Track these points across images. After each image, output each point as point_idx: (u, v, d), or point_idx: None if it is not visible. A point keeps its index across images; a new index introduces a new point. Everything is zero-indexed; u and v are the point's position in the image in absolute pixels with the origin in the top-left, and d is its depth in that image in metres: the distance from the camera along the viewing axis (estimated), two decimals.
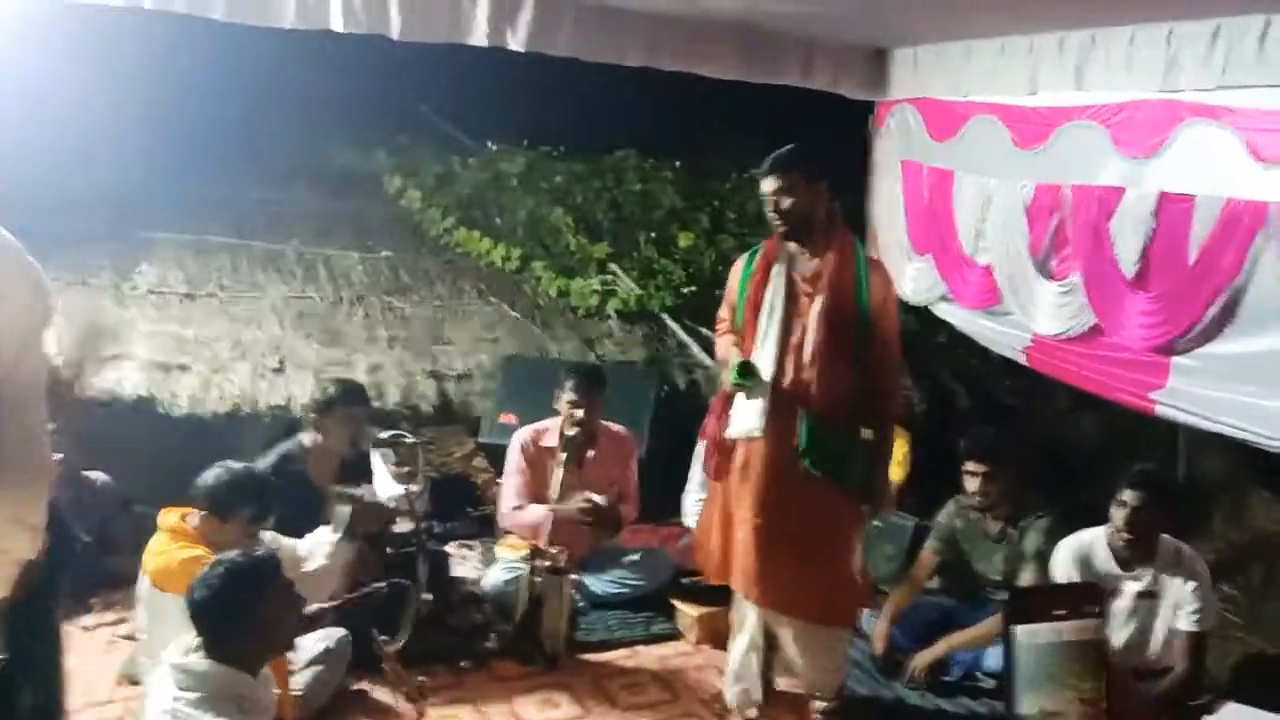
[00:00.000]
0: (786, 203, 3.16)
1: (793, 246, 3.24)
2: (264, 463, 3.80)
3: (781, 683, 3.52)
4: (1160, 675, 3.44)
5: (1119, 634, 3.54)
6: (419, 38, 4.00)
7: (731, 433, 3.24)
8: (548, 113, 7.38)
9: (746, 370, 3.13)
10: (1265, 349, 3.32)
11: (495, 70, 6.71)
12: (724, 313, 3.42)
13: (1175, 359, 3.62)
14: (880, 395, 3.19)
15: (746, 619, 3.35)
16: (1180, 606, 3.44)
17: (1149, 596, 3.50)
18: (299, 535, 3.37)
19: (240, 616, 2.40)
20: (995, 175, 4.50)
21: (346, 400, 3.98)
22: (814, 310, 3.12)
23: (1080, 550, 3.59)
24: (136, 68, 6.04)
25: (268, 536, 3.10)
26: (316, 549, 3.19)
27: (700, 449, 4.33)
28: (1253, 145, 3.31)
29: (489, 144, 7.58)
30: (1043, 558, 3.71)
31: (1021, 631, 0.80)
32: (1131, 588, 3.51)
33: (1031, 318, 4.29)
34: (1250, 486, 5.20)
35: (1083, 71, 3.87)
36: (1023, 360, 4.46)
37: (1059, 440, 5.86)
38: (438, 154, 7.43)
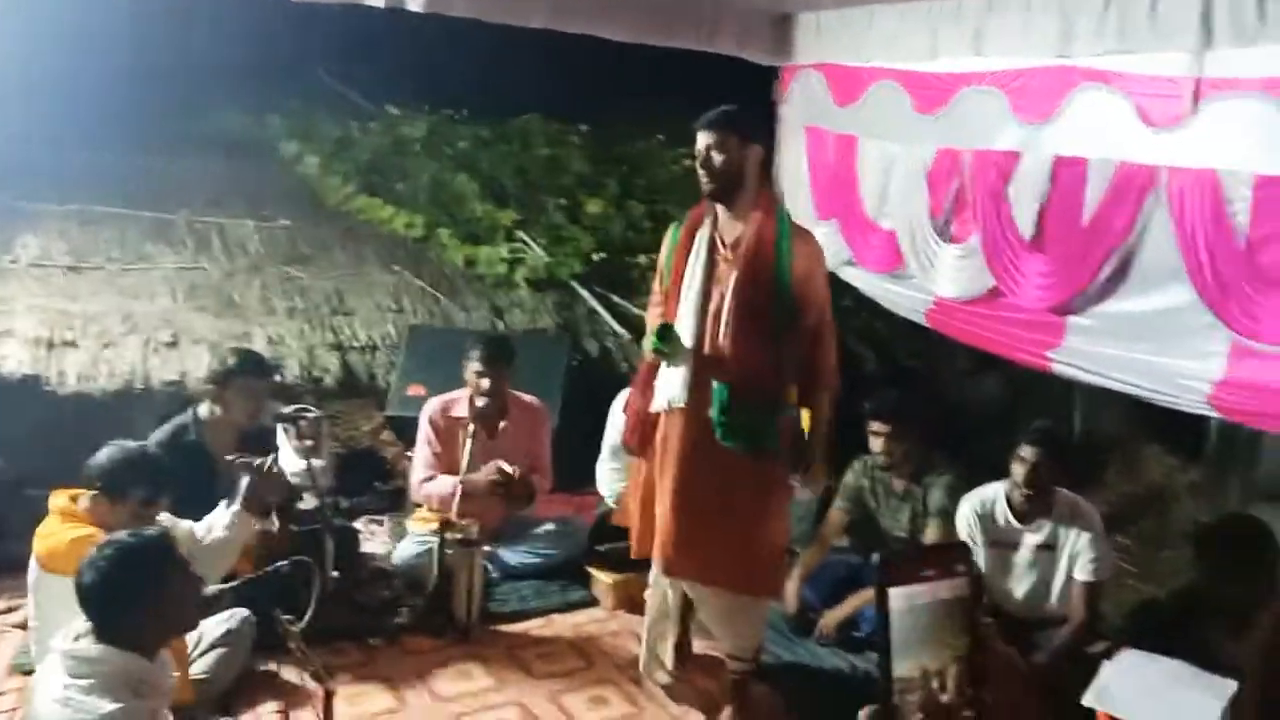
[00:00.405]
0: (718, 159, 3.06)
1: (719, 211, 3.17)
2: (157, 436, 3.67)
3: (698, 645, 3.55)
4: (1059, 624, 3.57)
5: (1019, 585, 3.67)
6: None
7: (655, 405, 3.17)
8: (450, 75, 7.23)
9: (665, 334, 3.08)
10: (1156, 307, 3.44)
11: (394, 32, 6.54)
12: (656, 284, 3.36)
13: (1071, 318, 3.73)
14: (815, 366, 3.12)
15: (663, 588, 3.32)
16: (1077, 557, 3.57)
17: (1047, 549, 3.61)
18: (199, 512, 3.25)
19: (132, 598, 2.30)
20: (897, 140, 4.55)
21: (246, 371, 3.82)
22: (732, 277, 3.06)
23: (981, 505, 3.69)
24: (10, 30, 5.71)
25: (165, 519, 2.98)
26: (216, 522, 3.09)
27: (613, 417, 4.32)
28: (1143, 110, 3.41)
29: (389, 108, 7.39)
30: (946, 514, 3.82)
31: (895, 594, 0.82)
32: (1031, 540, 3.63)
33: (933, 280, 4.37)
34: (1142, 440, 5.41)
35: (981, 37, 3.92)
36: (925, 322, 4.55)
37: (960, 399, 6.02)
38: (335, 118, 7.23)
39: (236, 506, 3.11)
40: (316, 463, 3.78)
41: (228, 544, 3.06)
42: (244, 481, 3.15)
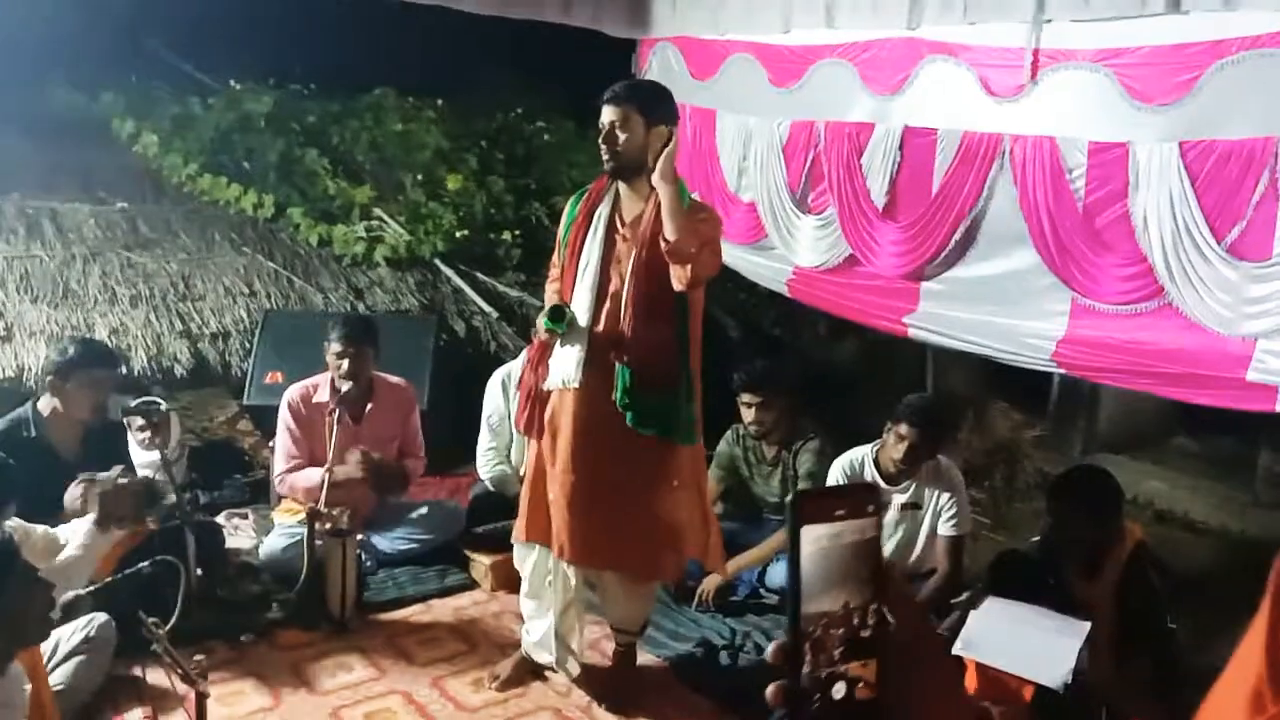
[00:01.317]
0: (620, 137, 2.95)
1: (620, 188, 3.07)
2: None
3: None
4: (925, 578, 3.75)
5: (887, 543, 3.82)
6: None
7: (549, 384, 3.09)
8: (296, 48, 6.92)
9: (557, 314, 2.99)
10: (1002, 271, 3.63)
11: (235, 2, 6.25)
12: (555, 258, 3.24)
13: (924, 284, 3.89)
14: (694, 340, 3.07)
15: (563, 579, 3.22)
16: (941, 514, 3.74)
17: (913, 507, 3.78)
18: (45, 511, 3.05)
19: None
20: (754, 114, 4.63)
21: (88, 362, 3.54)
22: (631, 257, 2.98)
23: (850, 466, 3.82)
24: None
25: (13, 524, 2.80)
26: (71, 537, 2.91)
27: (490, 396, 4.27)
28: (985, 80, 3.57)
29: (231, 82, 7.04)
30: (815, 478, 3.94)
31: (807, 533, 0.83)
32: (898, 500, 3.78)
33: (793, 251, 4.47)
34: (990, 398, 5.70)
35: (832, 11, 4.01)
36: (786, 291, 4.66)
37: (821, 365, 6.20)
38: (174, 94, 6.83)
39: (89, 525, 2.92)
40: (170, 456, 3.61)
41: (81, 561, 2.88)
42: (94, 499, 2.96)
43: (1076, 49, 3.27)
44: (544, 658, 3.33)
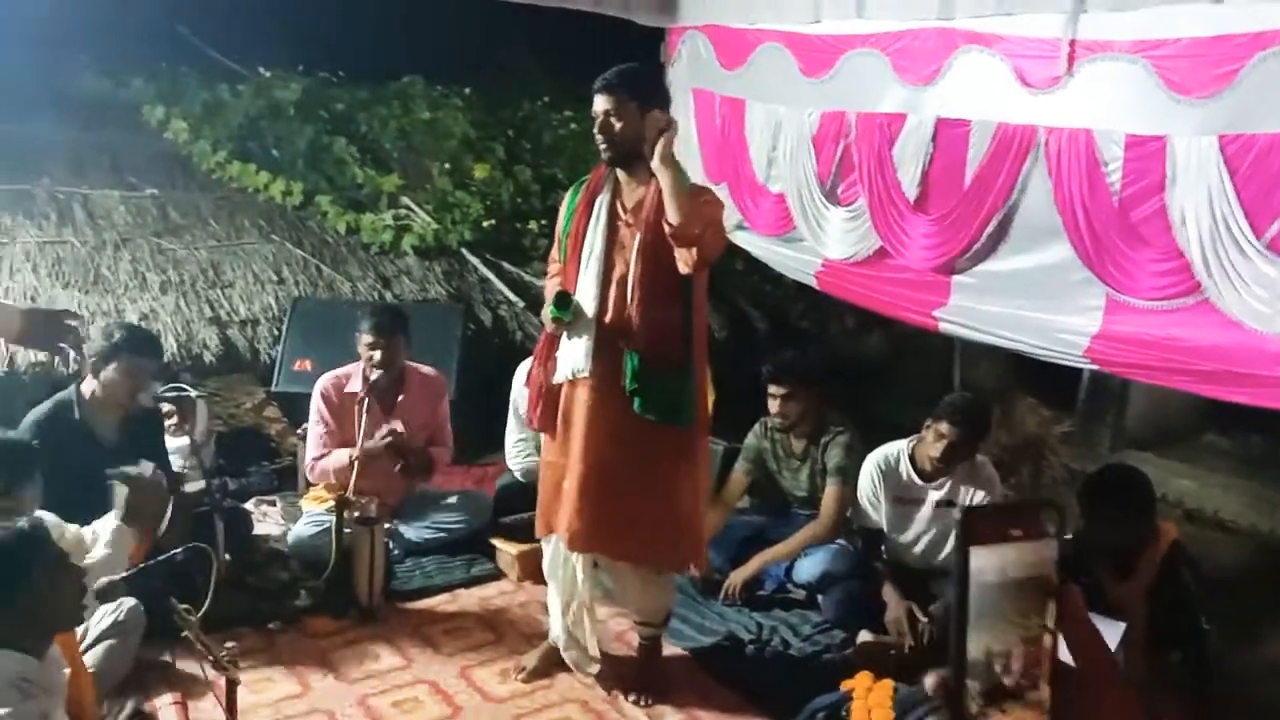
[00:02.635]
0: (616, 126, 2.95)
1: (620, 175, 3.07)
2: (36, 415, 3.45)
3: (604, 611, 3.56)
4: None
5: (919, 539, 3.81)
6: None
7: (558, 376, 3.08)
8: (324, 36, 6.96)
9: (563, 301, 2.99)
10: (1035, 264, 3.57)
11: None
12: (554, 252, 3.24)
13: (956, 278, 3.84)
14: (698, 323, 3.08)
15: (571, 568, 3.23)
16: None
17: (948, 505, 3.73)
18: (90, 496, 3.08)
19: (3, 597, 2.19)
20: (784, 103, 4.58)
21: (131, 349, 3.55)
22: (635, 243, 2.98)
23: (885, 461, 3.80)
24: None
25: (51, 520, 2.81)
26: (100, 535, 2.93)
27: (517, 387, 4.27)
28: (1020, 71, 3.51)
29: (260, 69, 7.07)
30: (844, 472, 3.92)
31: (977, 556, 0.79)
32: (933, 496, 3.75)
33: (822, 243, 4.43)
34: (1018, 394, 5.65)
35: (864, 0, 3.97)
36: (814, 284, 4.62)
37: (849, 358, 6.17)
38: (203, 81, 6.88)
39: (116, 522, 2.94)
40: (198, 442, 3.64)
41: (111, 560, 2.89)
42: (121, 493, 2.98)
43: (1114, 40, 3.21)
44: (565, 655, 3.34)
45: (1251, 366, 2.97)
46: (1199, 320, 3.11)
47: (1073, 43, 3.31)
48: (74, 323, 2.97)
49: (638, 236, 2.98)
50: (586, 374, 3.01)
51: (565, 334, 3.06)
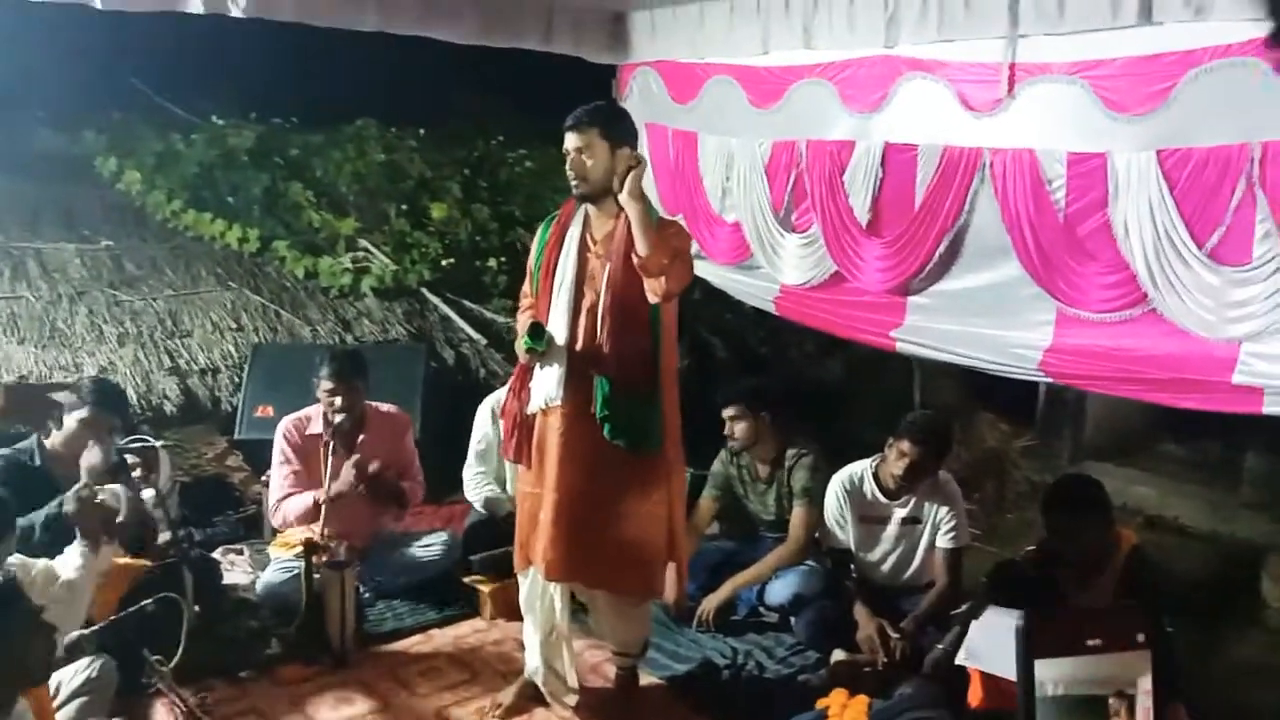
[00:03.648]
0: (588, 164, 3.02)
1: (589, 209, 3.13)
2: None
3: (580, 643, 3.55)
4: (923, 591, 3.77)
5: (886, 557, 3.85)
6: (128, 6, 3.66)
7: (532, 406, 3.12)
8: (275, 82, 6.97)
9: (536, 332, 3.03)
10: (987, 283, 3.67)
11: (214, 37, 6.24)
12: (526, 287, 3.28)
13: (910, 298, 3.93)
14: (667, 352, 3.11)
15: (549, 598, 3.25)
16: (940, 526, 3.77)
17: (913, 521, 3.80)
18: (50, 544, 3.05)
19: None
20: (735, 135, 4.66)
21: (98, 402, 3.57)
22: (605, 273, 3.04)
23: (850, 481, 3.85)
24: None
25: (14, 560, 2.78)
26: (66, 563, 2.90)
27: (479, 422, 4.28)
28: (964, 96, 3.62)
29: (213, 118, 7.07)
30: (809, 493, 3.95)
31: (1045, 671, 0.72)
32: (898, 514, 3.81)
33: (779, 269, 4.50)
34: (977, 409, 5.74)
35: (810, 31, 4.06)
36: (773, 310, 4.69)
37: (810, 381, 6.23)
38: (156, 131, 6.86)
39: (80, 547, 2.93)
40: (162, 492, 3.61)
41: (79, 583, 2.87)
42: (70, 513, 2.95)
43: (1052, 62, 3.33)
44: (541, 685, 3.33)
45: (1200, 373, 3.06)
46: (1147, 330, 3.21)
47: (1012, 66, 3.42)
48: (60, 395, 2.95)
49: (607, 267, 3.04)
50: (559, 402, 3.05)
51: (538, 364, 3.10)
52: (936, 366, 5.64)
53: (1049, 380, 3.73)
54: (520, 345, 3.11)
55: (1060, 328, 3.44)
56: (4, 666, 2.22)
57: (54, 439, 3.55)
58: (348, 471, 3.89)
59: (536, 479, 3.15)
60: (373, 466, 3.92)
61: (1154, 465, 5.48)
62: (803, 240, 4.34)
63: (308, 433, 4.07)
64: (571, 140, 3.04)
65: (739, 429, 4.05)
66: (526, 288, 3.29)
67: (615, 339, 3.02)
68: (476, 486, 4.27)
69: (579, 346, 3.06)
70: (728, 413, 4.07)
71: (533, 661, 3.34)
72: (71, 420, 3.52)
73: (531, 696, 3.37)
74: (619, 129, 3.08)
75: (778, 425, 4.12)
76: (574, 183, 3.07)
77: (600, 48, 5.10)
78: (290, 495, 4.00)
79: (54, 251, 5.73)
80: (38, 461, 3.51)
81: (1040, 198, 3.41)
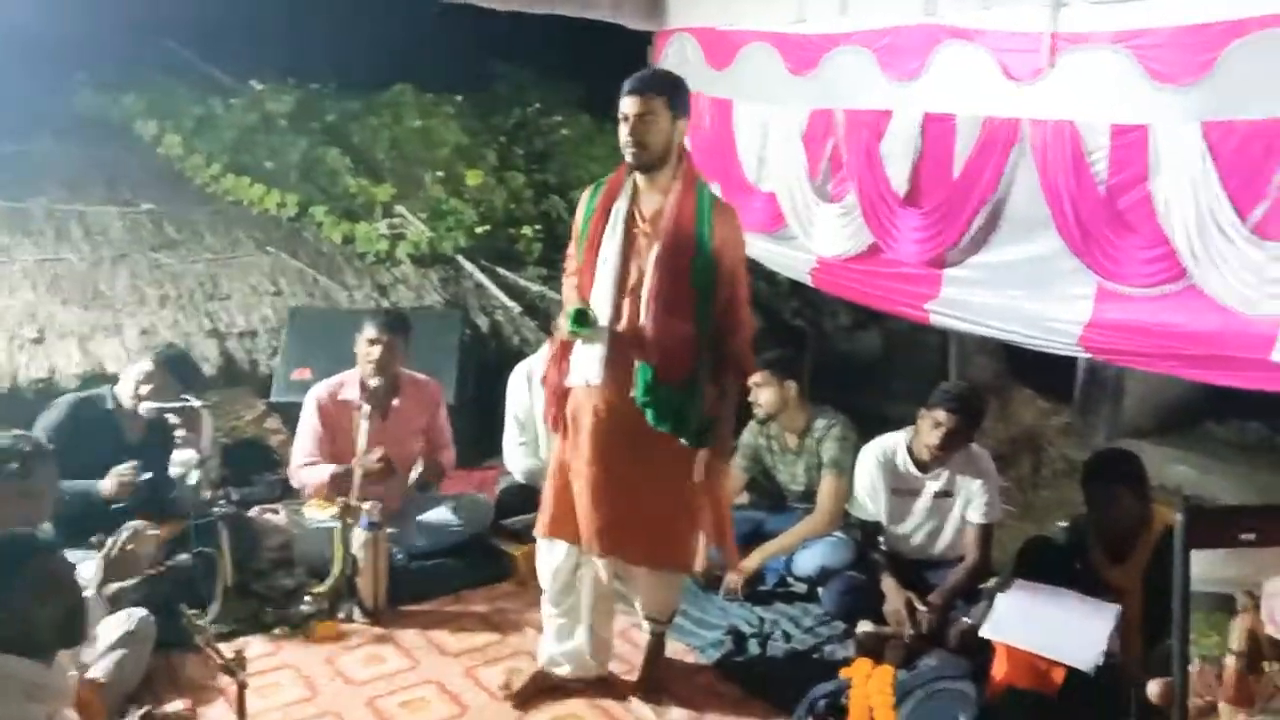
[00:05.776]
0: (649, 131, 2.88)
1: (638, 180, 3.00)
2: (70, 396, 3.83)
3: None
4: (953, 565, 3.76)
5: (917, 530, 3.84)
6: None
7: (570, 380, 3.07)
8: (314, 47, 7.00)
9: (581, 319, 2.95)
10: (1025, 255, 3.61)
11: (250, 2, 6.29)
12: (571, 249, 3.18)
13: (947, 270, 3.88)
14: (725, 350, 3.01)
15: (592, 572, 3.20)
16: (971, 501, 3.74)
17: (945, 495, 3.78)
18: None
19: (6, 601, 2.22)
20: (771, 102, 4.62)
21: (165, 364, 3.82)
22: (652, 253, 2.93)
23: (883, 454, 3.82)
24: None
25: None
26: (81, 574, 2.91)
27: (512, 390, 4.30)
28: (1004, 65, 3.56)
29: (252, 82, 7.11)
30: (839, 464, 3.94)
31: (1200, 560, 0.77)
32: (931, 487, 3.78)
33: (814, 240, 4.47)
34: (1014, 385, 5.68)
35: None
36: (809, 281, 4.66)
37: (844, 354, 6.20)
38: (195, 95, 6.92)
39: (93, 592, 2.92)
40: (204, 453, 3.69)
41: (95, 604, 2.88)
42: (99, 561, 2.89)
43: (1094, 31, 3.26)
44: (564, 671, 3.30)
45: (1240, 350, 3.01)
46: (1188, 306, 3.15)
47: (1054, 34, 3.35)
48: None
49: (655, 246, 2.94)
50: (598, 382, 3.00)
51: (580, 340, 3.04)
52: (974, 342, 5.61)
53: (1088, 356, 3.68)
54: (563, 324, 3.02)
55: (1100, 302, 3.38)
56: (29, 620, 2.26)
57: (123, 390, 3.80)
58: (369, 462, 3.87)
59: (570, 449, 3.12)
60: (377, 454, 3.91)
61: (1193, 444, 5.40)
62: (839, 210, 4.30)
63: (340, 398, 4.11)
64: (633, 105, 2.90)
65: (764, 396, 4.05)
66: (572, 249, 3.17)
67: (659, 324, 2.93)
68: (519, 457, 4.30)
69: (621, 326, 2.98)
70: (753, 380, 4.05)
71: (547, 649, 3.31)
72: (132, 372, 3.79)
73: (544, 688, 3.30)
74: (683, 99, 2.97)
75: (804, 395, 4.10)
76: (631, 150, 2.93)
77: (638, 13, 5.08)
78: (310, 464, 4.05)
79: (97, 214, 5.81)
80: (109, 405, 3.79)
81: (1081, 170, 3.34)
